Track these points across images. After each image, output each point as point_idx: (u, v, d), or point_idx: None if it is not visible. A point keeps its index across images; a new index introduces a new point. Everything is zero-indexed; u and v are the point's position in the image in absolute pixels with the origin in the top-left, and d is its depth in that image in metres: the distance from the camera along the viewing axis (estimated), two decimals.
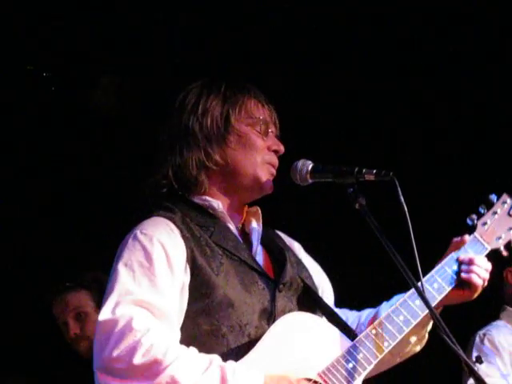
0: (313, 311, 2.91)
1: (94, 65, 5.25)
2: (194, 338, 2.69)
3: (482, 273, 2.97)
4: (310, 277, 3.04)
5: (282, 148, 3.01)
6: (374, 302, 3.11)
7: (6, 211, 5.29)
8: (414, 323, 2.89)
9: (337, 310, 3.11)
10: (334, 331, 2.85)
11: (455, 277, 2.98)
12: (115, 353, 2.54)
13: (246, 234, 3.03)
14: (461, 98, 5.51)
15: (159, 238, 2.75)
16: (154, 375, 2.52)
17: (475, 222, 3.07)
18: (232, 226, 2.95)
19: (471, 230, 3.07)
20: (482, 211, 3.09)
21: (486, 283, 2.98)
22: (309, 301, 2.96)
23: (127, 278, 2.68)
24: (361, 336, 2.82)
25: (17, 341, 5.29)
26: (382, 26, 5.27)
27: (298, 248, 3.19)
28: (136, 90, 5.29)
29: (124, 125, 5.34)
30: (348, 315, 3.15)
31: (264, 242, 3.04)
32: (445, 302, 3.00)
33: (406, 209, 2.73)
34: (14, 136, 5.29)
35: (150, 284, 2.67)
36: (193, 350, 2.63)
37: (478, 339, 4.47)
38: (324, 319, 2.92)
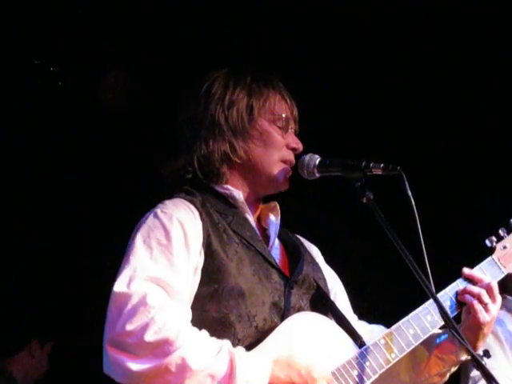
0: (322, 312, 2.90)
1: (101, 60, 5.25)
2: (200, 324, 2.67)
3: (474, 290, 2.94)
4: (323, 279, 3.05)
5: (300, 146, 3.02)
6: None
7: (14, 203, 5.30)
8: (424, 338, 2.89)
9: (351, 316, 3.11)
10: (344, 336, 2.86)
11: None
12: (127, 327, 2.53)
13: (263, 228, 3.04)
14: (471, 94, 5.50)
15: (179, 218, 2.75)
16: (164, 354, 2.51)
17: (494, 244, 3.05)
18: (250, 218, 2.96)
19: (488, 251, 3.05)
20: (502, 234, 3.08)
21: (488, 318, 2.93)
22: (319, 302, 2.96)
23: (144, 255, 2.67)
24: (369, 345, 2.83)
25: None
26: (389, 19, 5.26)
27: (315, 251, 3.20)
28: (144, 84, 5.29)
29: (131, 119, 5.33)
30: (361, 325, 3.12)
31: (281, 237, 3.05)
32: (470, 334, 2.93)
33: (413, 203, 2.73)
34: (21, 130, 5.29)
35: (166, 262, 2.67)
36: (204, 333, 2.63)
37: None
38: (334, 323, 2.91)
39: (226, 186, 2.94)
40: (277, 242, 3.03)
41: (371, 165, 2.83)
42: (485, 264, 3.04)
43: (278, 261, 2.93)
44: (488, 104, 5.49)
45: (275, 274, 2.86)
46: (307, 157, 2.97)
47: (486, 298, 2.93)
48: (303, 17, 5.23)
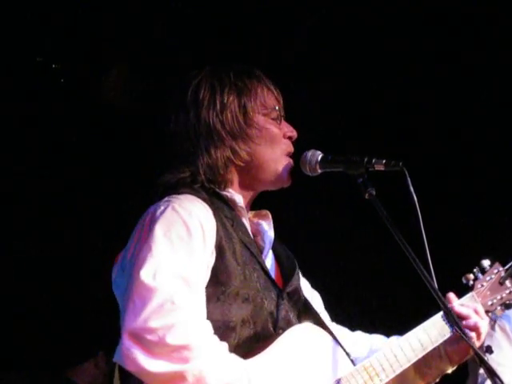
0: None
1: (103, 57, 5.25)
2: None
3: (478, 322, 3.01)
4: (304, 290, 3.04)
5: (295, 133, 3.00)
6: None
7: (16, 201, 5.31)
8: (406, 366, 2.88)
9: (335, 326, 3.11)
10: (340, 351, 2.85)
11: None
12: (151, 323, 2.48)
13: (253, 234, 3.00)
14: (473, 90, 5.50)
15: (197, 214, 2.71)
16: (181, 360, 2.48)
17: (470, 282, 3.17)
18: (247, 223, 2.93)
19: (467, 288, 3.17)
20: (477, 273, 3.20)
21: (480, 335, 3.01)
22: (307, 314, 2.94)
23: (166, 248, 2.61)
24: (363, 363, 2.82)
25: None
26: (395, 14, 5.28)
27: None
28: (145, 81, 5.29)
29: (134, 117, 5.34)
30: (346, 334, 3.14)
31: (274, 247, 3.02)
32: (458, 356, 3.02)
33: (415, 199, 2.73)
34: (23, 127, 5.30)
35: (188, 259, 2.62)
36: (224, 345, 2.60)
37: (488, 326, 4.45)
38: (330, 337, 2.88)
39: (228, 189, 2.91)
40: (270, 252, 3.00)
41: (373, 161, 2.83)
42: (466, 299, 3.11)
43: (271, 271, 2.91)
44: (489, 100, 5.49)
45: (270, 284, 2.84)
46: (309, 153, 2.96)
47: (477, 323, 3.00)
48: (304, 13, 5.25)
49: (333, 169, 2.94)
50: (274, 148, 2.94)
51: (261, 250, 2.93)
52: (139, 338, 2.48)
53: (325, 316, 3.11)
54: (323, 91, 5.45)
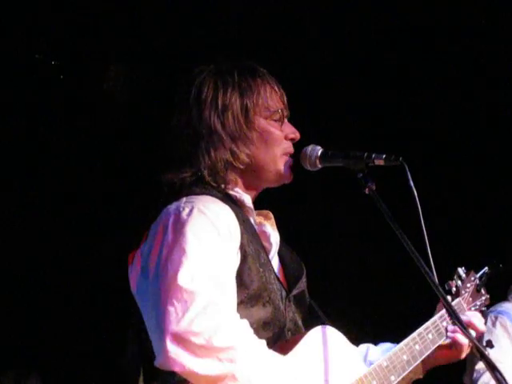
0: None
1: (102, 54, 5.25)
2: None
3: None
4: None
5: (297, 135, 2.98)
6: None
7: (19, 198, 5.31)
8: (415, 364, 2.95)
9: None
10: (355, 352, 2.90)
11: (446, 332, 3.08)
12: (195, 327, 2.47)
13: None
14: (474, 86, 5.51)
15: (224, 217, 2.69)
16: (230, 361, 2.49)
17: (453, 289, 3.26)
18: (254, 223, 2.92)
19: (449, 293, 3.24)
20: (457, 280, 3.29)
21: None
22: (313, 318, 2.97)
23: (200, 252, 2.58)
24: (375, 365, 2.86)
25: None
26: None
27: None
28: (146, 77, 5.29)
29: (134, 112, 5.34)
30: None
31: (279, 249, 3.01)
32: (432, 362, 3.10)
33: (415, 194, 2.73)
34: (22, 124, 5.30)
35: (220, 261, 2.61)
36: (264, 343, 2.62)
37: (489, 322, 4.46)
38: (346, 340, 2.90)
39: (236, 189, 2.89)
40: (275, 254, 3.00)
41: (373, 156, 2.83)
42: (455, 304, 3.18)
43: (277, 273, 2.91)
44: (492, 94, 5.50)
45: (279, 286, 2.84)
46: (309, 148, 2.96)
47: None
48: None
49: (333, 164, 2.93)
50: (274, 149, 2.91)
51: (267, 252, 2.91)
52: (184, 341, 2.47)
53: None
54: (324, 86, 5.46)
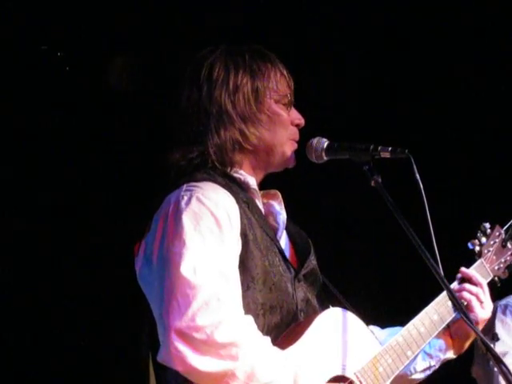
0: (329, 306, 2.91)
1: (108, 44, 5.24)
2: None
3: (473, 289, 3.05)
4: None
5: (303, 121, 3.01)
6: None
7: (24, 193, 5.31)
8: (434, 335, 2.98)
9: None
10: (368, 332, 2.90)
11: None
12: (199, 321, 2.47)
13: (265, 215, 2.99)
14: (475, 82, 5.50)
15: (223, 204, 2.69)
16: (231, 358, 2.48)
17: (477, 248, 3.22)
18: (260, 205, 2.93)
19: (472, 253, 3.22)
20: (480, 237, 3.25)
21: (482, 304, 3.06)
22: (327, 295, 2.98)
23: (200, 243, 2.59)
24: (390, 342, 2.88)
25: None
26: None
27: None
28: (151, 68, 5.28)
29: (139, 103, 5.33)
30: None
31: (287, 227, 3.02)
32: (465, 335, 3.10)
33: (421, 186, 2.73)
34: (28, 116, 5.29)
35: (221, 251, 2.61)
36: (268, 339, 2.62)
37: (499, 311, 4.45)
38: (360, 320, 2.92)
39: (240, 171, 2.90)
40: (284, 233, 3.01)
41: (379, 148, 2.84)
42: (476, 267, 3.17)
43: (286, 252, 2.92)
44: (497, 89, 5.49)
45: (287, 266, 2.85)
46: (315, 140, 2.98)
47: (482, 296, 3.05)
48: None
49: (339, 156, 2.95)
50: (282, 133, 2.93)
51: (275, 232, 2.92)
52: (187, 337, 2.46)
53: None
54: (328, 76, 5.45)
